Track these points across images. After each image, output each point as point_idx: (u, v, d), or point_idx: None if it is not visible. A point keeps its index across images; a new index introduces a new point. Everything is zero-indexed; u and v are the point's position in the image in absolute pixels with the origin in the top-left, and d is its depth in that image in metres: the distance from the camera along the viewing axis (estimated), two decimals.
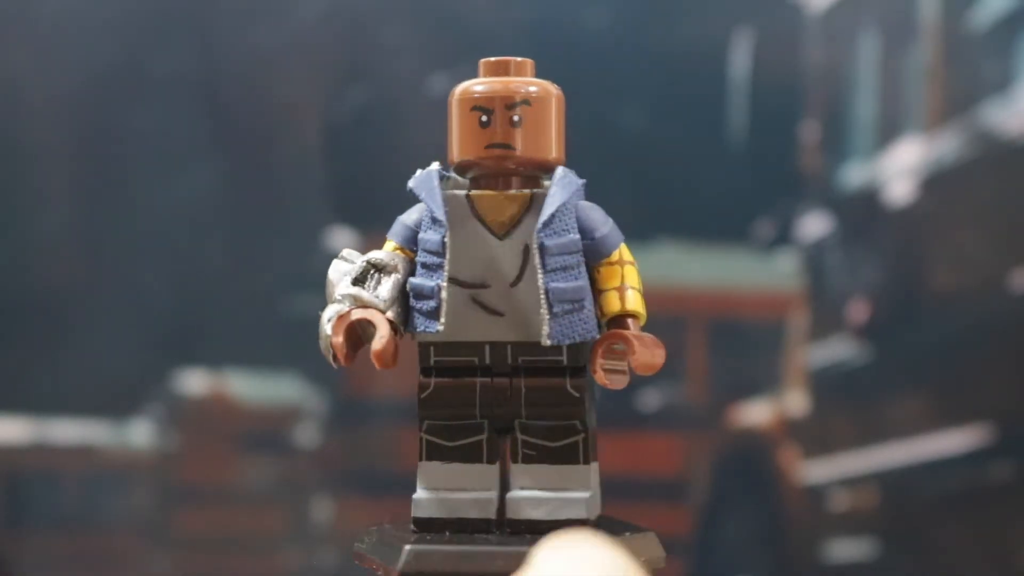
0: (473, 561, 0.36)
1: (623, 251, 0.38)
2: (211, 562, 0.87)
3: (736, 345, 0.87)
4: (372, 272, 0.38)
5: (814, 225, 0.87)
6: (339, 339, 0.38)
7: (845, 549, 0.87)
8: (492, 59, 0.39)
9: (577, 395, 0.38)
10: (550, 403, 0.38)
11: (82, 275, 0.86)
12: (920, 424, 0.85)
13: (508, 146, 0.38)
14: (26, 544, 0.86)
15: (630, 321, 0.38)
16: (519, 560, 0.34)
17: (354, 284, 0.38)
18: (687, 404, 0.87)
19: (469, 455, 0.39)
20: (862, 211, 0.87)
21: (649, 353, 0.37)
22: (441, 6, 0.87)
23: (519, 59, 0.39)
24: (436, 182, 0.38)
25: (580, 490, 0.38)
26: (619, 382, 0.37)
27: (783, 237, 0.87)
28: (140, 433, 0.86)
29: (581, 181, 0.38)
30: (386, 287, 0.38)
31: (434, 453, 0.39)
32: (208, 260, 0.86)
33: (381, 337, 0.37)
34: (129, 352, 0.86)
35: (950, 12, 0.86)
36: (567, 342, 0.37)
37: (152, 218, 0.86)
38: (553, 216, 0.37)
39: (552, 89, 0.39)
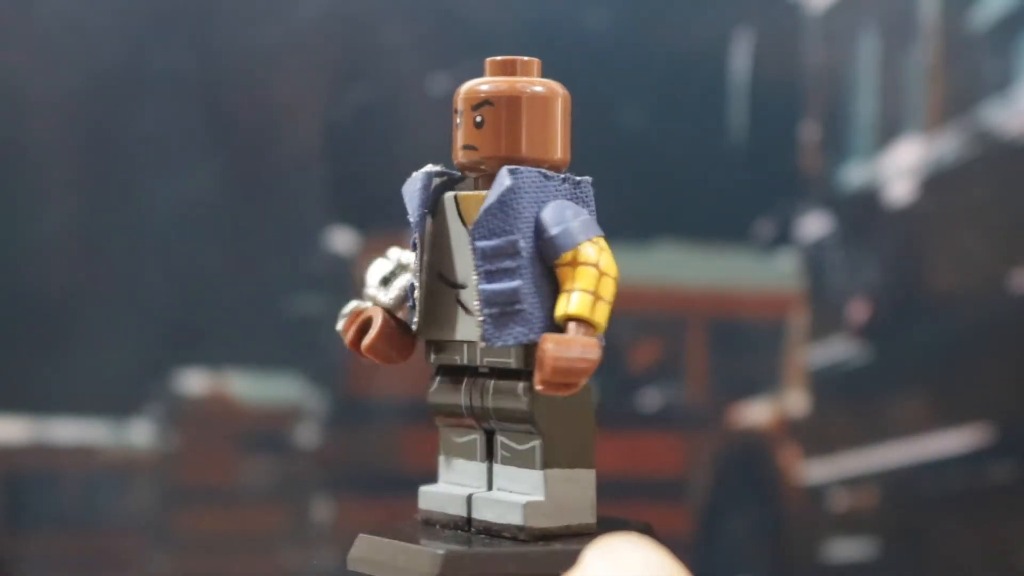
0: (407, 556, 0.37)
1: (581, 252, 0.36)
2: (211, 562, 0.87)
3: (736, 345, 0.87)
4: (398, 271, 0.39)
5: (814, 225, 0.87)
6: (348, 336, 0.40)
7: (845, 549, 0.87)
8: (498, 58, 0.39)
9: (525, 398, 0.37)
10: (506, 406, 0.38)
11: (82, 275, 0.86)
12: (920, 424, 0.85)
13: (471, 147, 0.38)
14: (26, 544, 0.86)
15: (571, 325, 0.36)
16: (416, 558, 0.36)
17: (382, 282, 0.40)
18: (687, 404, 0.87)
19: (469, 452, 0.39)
20: (862, 211, 0.87)
21: (563, 359, 0.35)
22: (441, 6, 0.87)
23: (525, 59, 0.39)
24: (419, 185, 0.38)
25: (532, 495, 0.38)
26: (553, 388, 0.36)
27: (783, 237, 0.87)
28: (140, 433, 0.86)
29: (578, 179, 0.38)
30: (396, 286, 0.39)
31: (446, 448, 0.40)
32: (208, 260, 0.86)
33: (370, 334, 0.39)
34: (129, 352, 0.86)
35: (950, 12, 0.86)
36: (499, 344, 0.37)
37: (152, 218, 0.86)
38: (482, 218, 0.37)
39: (557, 88, 0.39)
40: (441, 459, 0.40)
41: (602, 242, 0.37)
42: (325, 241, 0.86)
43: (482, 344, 0.37)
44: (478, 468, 0.39)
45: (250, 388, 0.87)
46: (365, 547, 0.38)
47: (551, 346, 0.35)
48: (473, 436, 0.39)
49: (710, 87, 0.86)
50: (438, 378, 0.40)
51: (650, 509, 0.86)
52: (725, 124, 0.87)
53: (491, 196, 0.37)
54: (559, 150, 0.38)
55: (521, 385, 0.37)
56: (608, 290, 0.36)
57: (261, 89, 0.87)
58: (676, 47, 0.86)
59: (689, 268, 0.87)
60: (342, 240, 0.85)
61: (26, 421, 0.87)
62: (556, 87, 0.39)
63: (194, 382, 0.87)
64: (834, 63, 0.88)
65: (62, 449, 0.86)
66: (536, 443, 0.38)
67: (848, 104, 0.88)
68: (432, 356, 0.40)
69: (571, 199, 0.37)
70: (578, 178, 0.38)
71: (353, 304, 0.40)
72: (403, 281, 0.39)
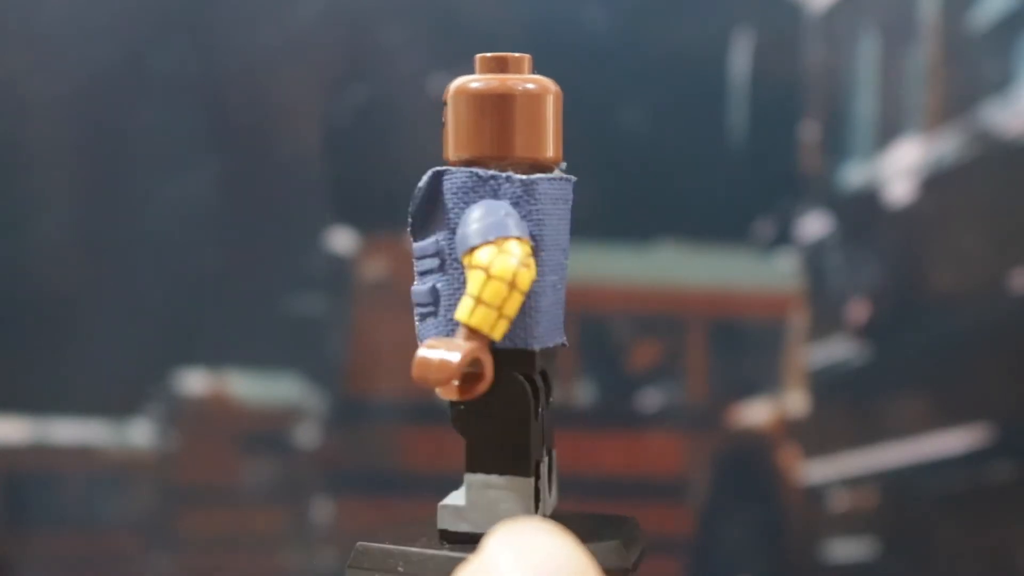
0: (411, 562, 0.37)
1: (474, 255, 0.36)
2: (211, 562, 0.87)
3: (736, 345, 0.87)
4: None
5: (814, 225, 0.87)
6: None
7: (845, 549, 0.87)
8: (488, 55, 0.38)
9: (447, 400, 0.37)
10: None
11: (82, 275, 0.86)
12: (920, 424, 0.85)
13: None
14: (26, 544, 0.86)
15: (460, 330, 0.35)
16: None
17: None
18: (687, 404, 0.87)
19: None
20: (862, 211, 0.87)
21: (418, 364, 0.35)
22: (441, 6, 0.87)
23: (516, 55, 0.38)
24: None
25: (456, 499, 0.38)
26: (445, 393, 0.35)
27: (783, 237, 0.87)
28: (140, 433, 0.86)
29: (553, 176, 0.37)
30: None
31: None
32: (208, 260, 0.86)
33: None
34: (129, 352, 0.86)
35: (950, 12, 0.86)
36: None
37: (152, 218, 0.86)
38: (411, 220, 0.37)
39: (549, 85, 0.38)
40: None
41: (508, 244, 0.36)
42: (325, 241, 0.86)
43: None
44: None
45: (250, 388, 0.87)
46: (367, 557, 0.38)
47: (421, 348, 0.35)
48: None
49: (710, 87, 0.86)
50: None
51: (650, 509, 0.86)
52: (725, 124, 0.87)
53: (417, 197, 0.37)
54: (551, 147, 0.38)
55: None
56: (492, 294, 0.35)
57: (261, 89, 0.87)
58: (676, 47, 0.86)
59: (689, 268, 0.87)
60: (342, 240, 0.85)
61: (26, 421, 0.87)
62: (548, 83, 0.38)
63: (194, 382, 0.87)
64: (834, 63, 0.88)
65: (62, 449, 0.86)
66: (465, 446, 0.37)
67: (848, 104, 0.88)
68: None
69: (516, 200, 0.36)
70: (525, 177, 0.37)
71: None
72: None
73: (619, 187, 0.84)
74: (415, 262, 0.37)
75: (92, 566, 0.87)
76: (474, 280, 0.35)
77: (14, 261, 0.86)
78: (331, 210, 0.86)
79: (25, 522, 0.87)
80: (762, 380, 0.87)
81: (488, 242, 0.35)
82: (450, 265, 0.36)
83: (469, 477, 0.37)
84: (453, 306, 0.36)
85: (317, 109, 0.87)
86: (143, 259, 0.86)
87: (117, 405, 0.86)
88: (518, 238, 0.36)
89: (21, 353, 0.86)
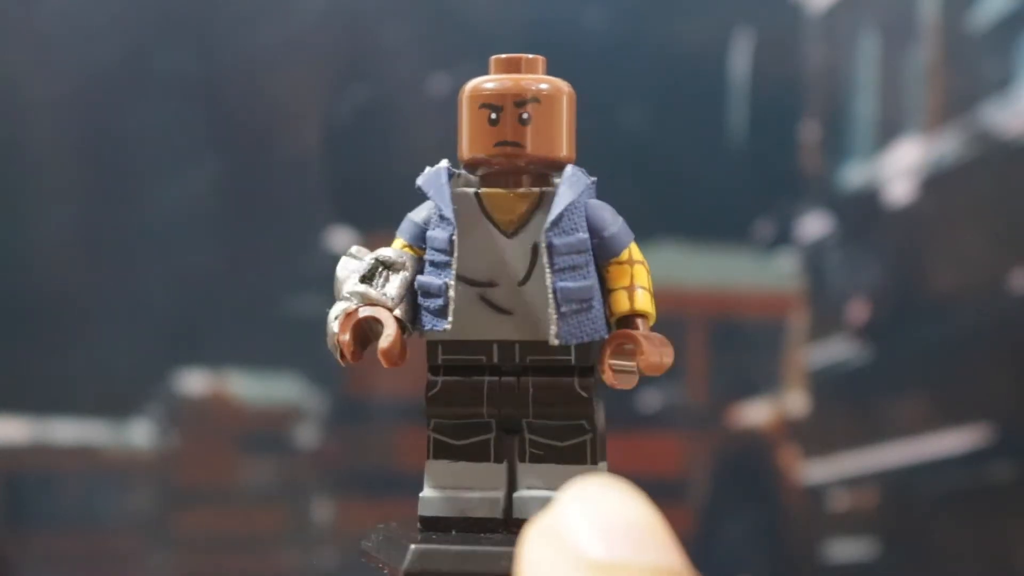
0: (479, 561, 0.36)
1: (633, 250, 0.38)
2: (211, 562, 0.87)
3: (736, 345, 0.87)
4: (380, 270, 0.38)
5: (814, 225, 0.87)
6: (346, 337, 0.38)
7: (845, 549, 0.87)
8: (503, 56, 0.39)
9: (585, 395, 0.37)
10: (558, 403, 0.37)
11: (83, 275, 0.86)
12: (920, 424, 0.85)
13: (517, 144, 0.38)
14: (26, 544, 0.86)
15: (639, 321, 0.37)
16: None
17: (362, 282, 0.38)
18: (687, 404, 0.87)
19: (477, 454, 0.39)
20: (862, 211, 0.87)
21: (657, 353, 0.37)
22: (441, 6, 0.87)
23: (530, 56, 0.39)
24: (445, 179, 0.38)
25: None
26: (627, 382, 0.37)
27: (783, 237, 0.87)
28: (140, 433, 0.86)
29: (591, 179, 0.38)
30: (394, 285, 0.38)
31: (441, 451, 0.39)
32: (208, 260, 0.86)
33: (388, 335, 0.37)
34: (129, 352, 0.86)
35: (950, 12, 0.86)
36: (575, 342, 0.37)
37: (153, 218, 0.86)
38: (562, 215, 0.37)
39: (563, 87, 0.38)
40: (434, 463, 0.39)
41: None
42: (325, 241, 0.86)
43: (555, 342, 0.36)
44: (490, 469, 0.38)
45: (250, 388, 0.87)
46: (431, 559, 0.37)
47: (650, 343, 0.36)
48: (487, 437, 0.39)
49: (710, 87, 0.86)
50: (442, 379, 0.39)
51: None
52: (725, 124, 0.87)
53: (567, 194, 0.37)
54: (564, 147, 0.38)
55: (579, 381, 0.37)
56: (652, 287, 0.38)
57: (261, 89, 0.87)
58: (676, 47, 0.86)
59: (689, 268, 0.87)
60: (342, 240, 0.86)
61: (26, 421, 0.87)
62: (562, 85, 0.38)
63: (194, 382, 0.87)
64: (834, 63, 0.88)
65: (62, 449, 0.86)
66: (587, 438, 0.38)
67: (848, 104, 0.88)
68: (440, 357, 0.38)
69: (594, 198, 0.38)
70: (591, 178, 0.38)
71: (343, 305, 0.38)
72: (400, 279, 0.38)
73: (619, 187, 0.84)
74: (558, 259, 0.37)
75: (92, 566, 0.87)
76: (642, 274, 0.37)
77: (14, 261, 0.87)
78: (331, 210, 0.86)
79: (25, 522, 0.87)
80: (762, 380, 0.87)
81: (632, 239, 0.38)
82: (590, 261, 0.37)
83: (601, 465, 0.38)
84: (601, 301, 0.37)
85: (317, 109, 0.87)
86: (143, 259, 0.86)
87: (117, 405, 0.86)
88: None
89: (21, 353, 0.86)
